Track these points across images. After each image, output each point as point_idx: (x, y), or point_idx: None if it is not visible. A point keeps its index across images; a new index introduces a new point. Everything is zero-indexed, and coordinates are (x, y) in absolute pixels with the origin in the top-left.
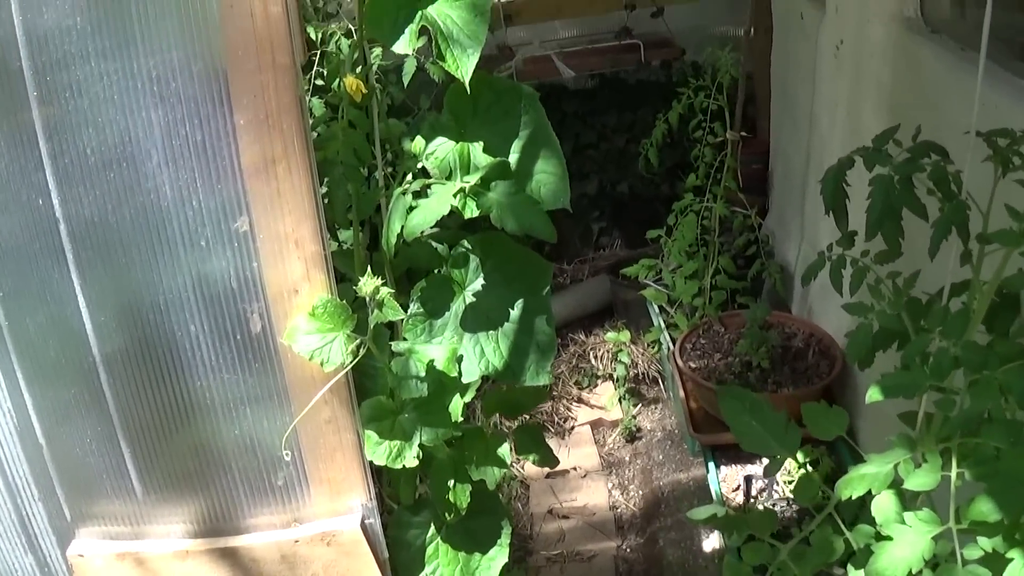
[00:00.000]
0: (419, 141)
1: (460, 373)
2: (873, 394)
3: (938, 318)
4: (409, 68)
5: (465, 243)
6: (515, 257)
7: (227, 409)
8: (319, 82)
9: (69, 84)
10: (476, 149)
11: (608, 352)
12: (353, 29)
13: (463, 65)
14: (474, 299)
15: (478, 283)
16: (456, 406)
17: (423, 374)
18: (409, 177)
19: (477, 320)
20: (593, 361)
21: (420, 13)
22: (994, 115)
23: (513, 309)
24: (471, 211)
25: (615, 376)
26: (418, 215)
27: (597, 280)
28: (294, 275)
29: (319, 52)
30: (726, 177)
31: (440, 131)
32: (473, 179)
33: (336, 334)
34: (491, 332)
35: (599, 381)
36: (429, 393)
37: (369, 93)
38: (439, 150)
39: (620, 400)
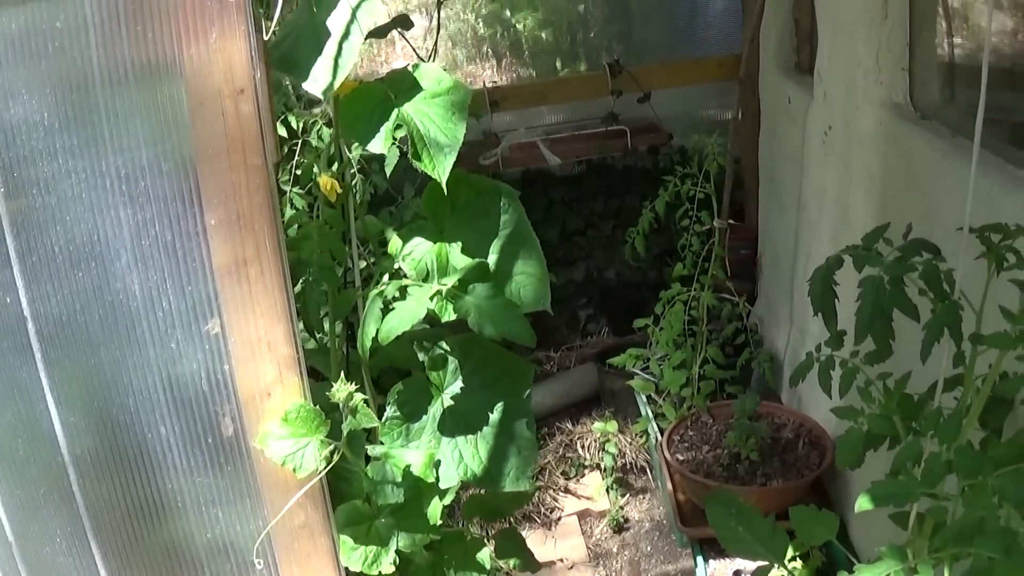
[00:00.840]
0: (396, 242)
1: (438, 478)
2: (863, 503)
3: (931, 422)
4: (392, 157)
5: (443, 344)
6: (495, 359)
7: (199, 511)
8: (300, 172)
9: (36, 181)
10: (454, 250)
11: (595, 441)
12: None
13: (439, 166)
14: (452, 402)
15: (456, 386)
16: (435, 510)
17: (400, 479)
18: (386, 278)
19: (455, 424)
20: (580, 450)
21: (396, 111)
22: (986, 203)
23: (493, 413)
24: (448, 315)
25: (602, 466)
26: (394, 318)
27: (584, 368)
28: (267, 378)
29: (300, 141)
30: (714, 266)
31: (418, 231)
32: (450, 281)
33: (309, 439)
34: (470, 436)
35: (586, 471)
36: (406, 498)
37: (345, 192)
38: (416, 251)
39: (608, 490)
